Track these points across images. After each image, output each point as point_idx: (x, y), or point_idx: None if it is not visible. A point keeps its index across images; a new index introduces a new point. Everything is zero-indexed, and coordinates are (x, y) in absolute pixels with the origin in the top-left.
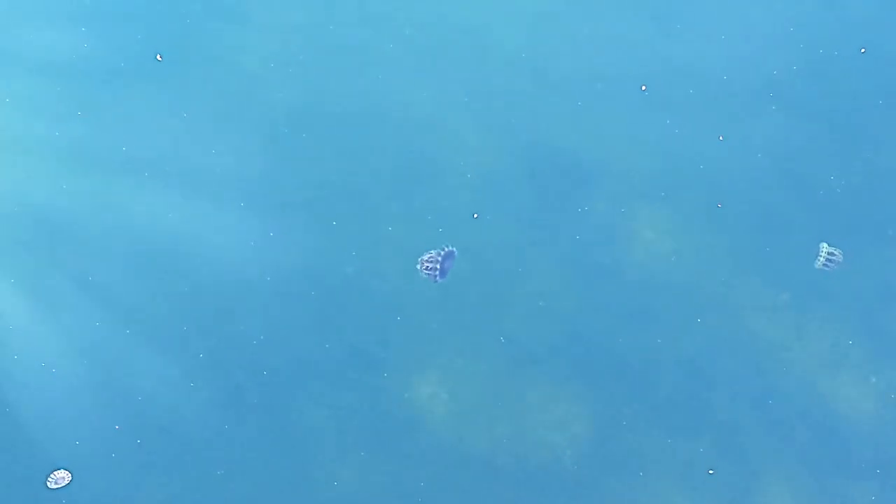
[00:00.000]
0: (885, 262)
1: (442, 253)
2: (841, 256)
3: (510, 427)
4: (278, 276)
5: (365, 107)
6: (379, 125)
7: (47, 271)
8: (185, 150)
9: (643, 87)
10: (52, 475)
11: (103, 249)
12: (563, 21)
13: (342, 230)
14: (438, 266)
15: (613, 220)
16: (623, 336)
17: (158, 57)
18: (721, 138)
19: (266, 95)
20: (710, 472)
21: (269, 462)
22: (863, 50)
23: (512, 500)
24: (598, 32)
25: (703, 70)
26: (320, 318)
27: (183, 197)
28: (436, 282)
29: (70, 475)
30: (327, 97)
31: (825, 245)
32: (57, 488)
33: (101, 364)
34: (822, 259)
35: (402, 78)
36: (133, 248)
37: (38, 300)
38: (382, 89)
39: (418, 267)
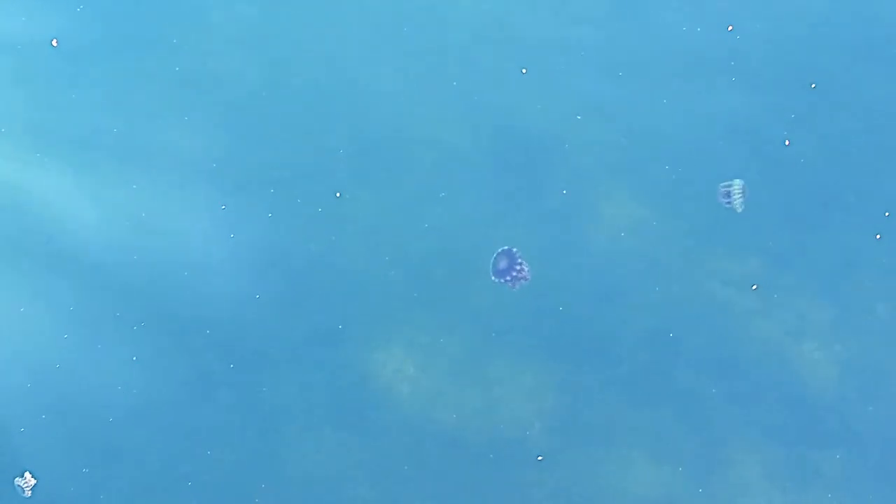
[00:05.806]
0: (847, 232)
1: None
2: (740, 190)
3: (476, 401)
4: (239, 254)
5: (323, 82)
6: (338, 101)
7: None
8: (142, 129)
9: (523, 70)
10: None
11: (58, 230)
12: None
13: (303, 207)
14: (511, 271)
15: (575, 193)
16: (589, 308)
17: (54, 42)
18: (579, 118)
19: (223, 73)
20: (539, 458)
21: (237, 439)
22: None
23: (480, 473)
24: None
25: (666, 41)
26: (284, 296)
27: (141, 177)
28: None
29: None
30: (282, 74)
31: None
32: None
33: (61, 350)
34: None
35: (362, 52)
36: (89, 229)
37: None
38: (341, 64)
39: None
